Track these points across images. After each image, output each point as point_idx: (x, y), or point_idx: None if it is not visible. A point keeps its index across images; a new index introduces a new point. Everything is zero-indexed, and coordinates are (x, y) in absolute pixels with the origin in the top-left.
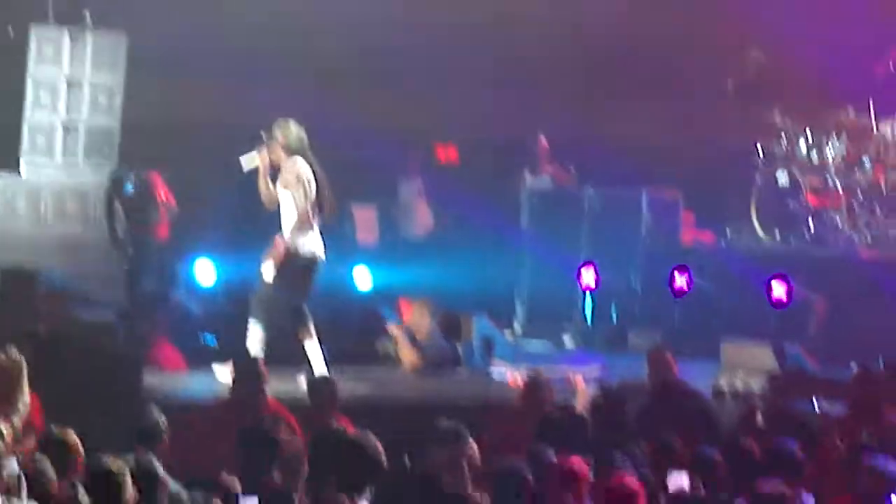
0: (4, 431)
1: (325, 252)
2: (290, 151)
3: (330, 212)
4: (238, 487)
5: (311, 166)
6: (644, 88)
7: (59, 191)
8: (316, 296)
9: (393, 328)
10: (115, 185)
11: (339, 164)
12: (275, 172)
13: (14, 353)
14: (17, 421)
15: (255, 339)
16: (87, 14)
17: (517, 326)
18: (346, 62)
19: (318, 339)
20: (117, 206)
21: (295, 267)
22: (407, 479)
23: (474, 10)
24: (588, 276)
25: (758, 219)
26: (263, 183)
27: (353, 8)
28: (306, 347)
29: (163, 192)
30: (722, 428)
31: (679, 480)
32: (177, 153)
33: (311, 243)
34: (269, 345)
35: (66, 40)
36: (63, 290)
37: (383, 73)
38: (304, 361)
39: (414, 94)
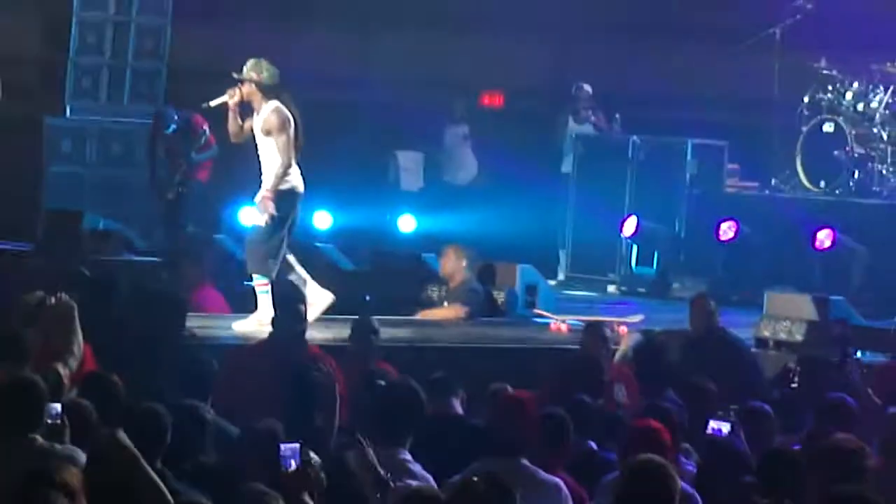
0: (63, 374)
1: (370, 198)
2: (267, 92)
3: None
4: (280, 432)
5: (287, 106)
6: (690, 37)
7: (104, 133)
8: (360, 242)
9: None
10: (158, 121)
11: (384, 111)
12: (247, 110)
13: (64, 296)
14: (74, 364)
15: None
16: None
17: (561, 274)
18: (392, 8)
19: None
20: (159, 147)
21: (287, 209)
22: (447, 424)
23: None
24: (632, 224)
25: (803, 168)
26: (233, 117)
27: None
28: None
29: (206, 135)
30: (763, 376)
31: (718, 427)
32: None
33: (297, 179)
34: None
35: None
36: (107, 233)
37: (429, 19)
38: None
39: (460, 41)
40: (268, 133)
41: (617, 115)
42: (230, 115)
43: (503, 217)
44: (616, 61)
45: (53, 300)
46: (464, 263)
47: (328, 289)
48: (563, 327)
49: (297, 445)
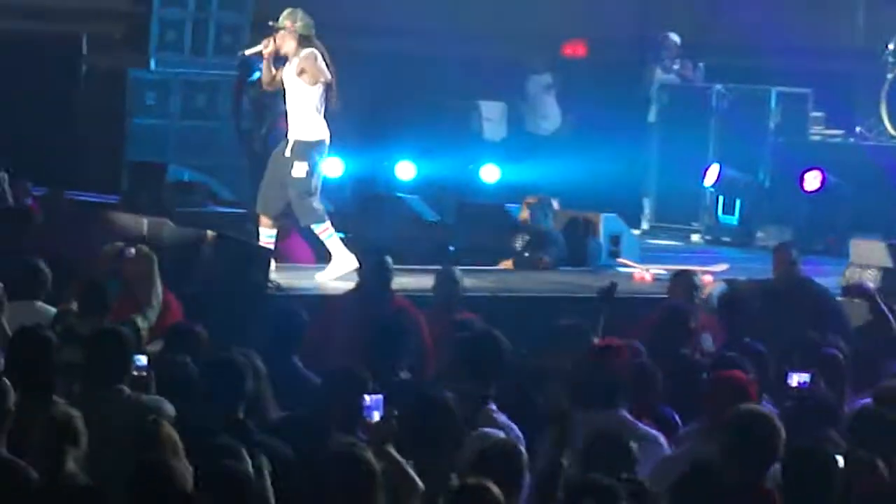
0: (141, 325)
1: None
2: (302, 40)
3: (336, 102)
4: (366, 382)
5: (323, 55)
6: None
7: (188, 86)
8: (444, 193)
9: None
10: (243, 69)
11: (466, 61)
12: (281, 59)
13: (144, 247)
14: (152, 316)
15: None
16: None
17: (645, 223)
18: None
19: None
20: (245, 99)
21: (319, 158)
22: (530, 374)
23: None
24: (714, 173)
25: (888, 115)
26: (266, 65)
27: None
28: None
29: None
30: (848, 325)
31: (801, 377)
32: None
33: (325, 131)
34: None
35: None
36: (192, 184)
37: None
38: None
39: None
40: (301, 73)
41: (700, 64)
42: (264, 62)
43: (587, 167)
44: (700, 10)
45: (133, 251)
46: (548, 213)
47: (413, 239)
48: (648, 276)
49: (380, 397)
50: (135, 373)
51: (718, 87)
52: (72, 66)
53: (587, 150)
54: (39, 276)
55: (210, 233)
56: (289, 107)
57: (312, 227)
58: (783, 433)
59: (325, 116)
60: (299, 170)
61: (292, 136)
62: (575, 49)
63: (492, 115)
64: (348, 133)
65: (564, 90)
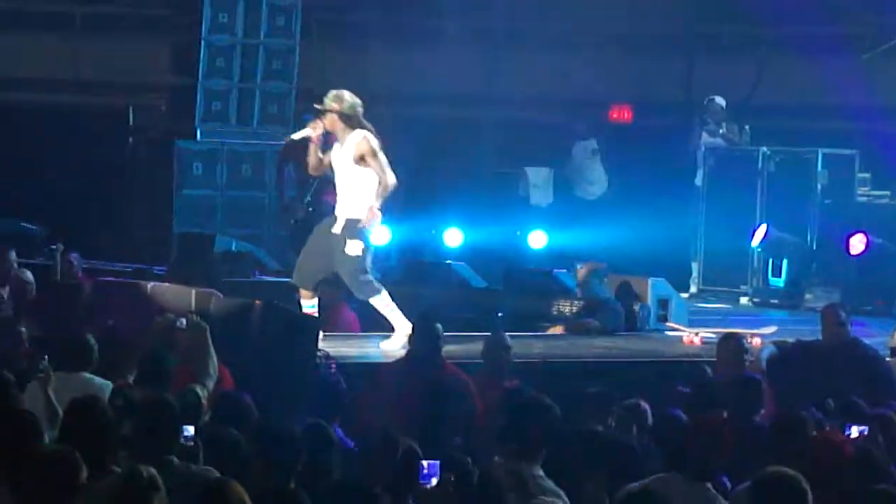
0: (201, 394)
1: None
2: (350, 122)
3: (387, 181)
4: (418, 450)
5: (372, 133)
6: (817, 47)
7: (234, 156)
8: (491, 259)
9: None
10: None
11: (512, 127)
12: (329, 142)
13: (195, 318)
14: (211, 384)
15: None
16: None
17: (693, 286)
18: (520, 26)
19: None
20: (288, 168)
21: (370, 232)
22: (580, 440)
23: None
24: (761, 233)
25: None
26: (314, 149)
27: None
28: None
29: None
30: None
31: (860, 428)
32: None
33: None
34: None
35: (241, 7)
36: (239, 254)
37: (556, 37)
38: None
39: (587, 57)
40: (361, 159)
41: (746, 127)
42: (311, 147)
43: (634, 231)
44: (744, 73)
45: (185, 322)
46: (601, 280)
47: (461, 305)
48: (697, 340)
49: (436, 462)
50: (183, 442)
51: (764, 149)
52: (119, 138)
53: (634, 214)
54: (87, 348)
55: (258, 302)
56: (339, 186)
57: (371, 300)
58: (810, 496)
59: (377, 193)
60: (354, 248)
61: (343, 213)
62: (621, 113)
63: (538, 181)
64: (394, 201)
65: (610, 155)
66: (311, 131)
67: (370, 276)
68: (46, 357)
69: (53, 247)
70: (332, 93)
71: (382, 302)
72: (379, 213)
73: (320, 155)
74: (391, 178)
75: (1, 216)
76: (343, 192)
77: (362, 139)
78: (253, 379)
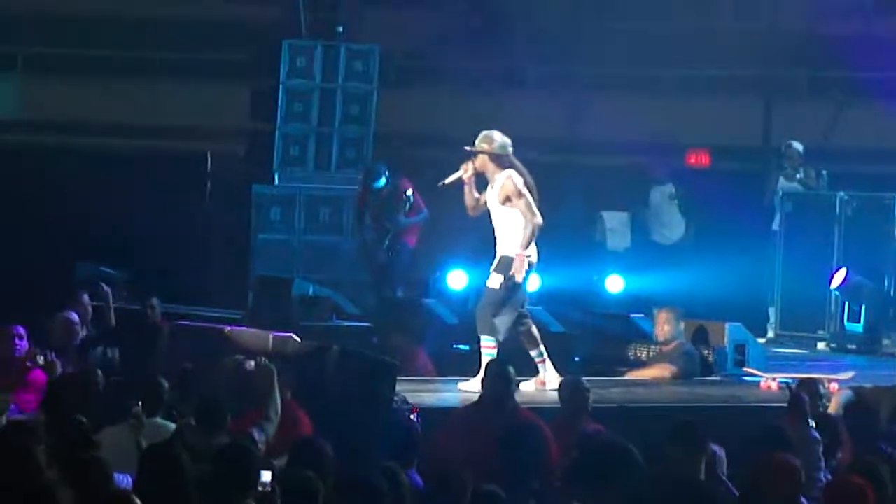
0: (257, 439)
1: (577, 259)
2: (500, 162)
3: (532, 218)
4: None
5: (521, 174)
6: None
7: (311, 200)
8: (569, 304)
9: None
10: (368, 176)
11: (589, 172)
12: (482, 181)
13: (263, 360)
14: (270, 429)
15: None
16: (341, 28)
17: (770, 332)
18: (599, 71)
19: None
20: (367, 211)
21: (525, 277)
22: (661, 484)
23: (723, 16)
24: (840, 276)
25: None
26: (468, 191)
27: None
28: (534, 356)
29: (410, 199)
30: None
31: None
32: (428, 162)
33: (533, 248)
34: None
35: (319, 52)
36: (317, 298)
37: (634, 82)
38: (534, 371)
39: (665, 102)
40: (506, 200)
41: (824, 172)
42: (466, 188)
43: (711, 275)
44: (821, 117)
45: (252, 364)
46: (678, 325)
47: None
48: (774, 385)
49: None
50: (260, 488)
51: (842, 194)
52: (197, 183)
53: (711, 258)
54: (159, 392)
55: (335, 347)
56: (495, 225)
57: (482, 337)
58: None
59: (525, 236)
60: (494, 281)
61: (500, 251)
62: (699, 158)
63: (615, 225)
64: (472, 245)
65: (688, 199)
66: (463, 173)
67: (500, 318)
68: (140, 403)
69: (154, 300)
70: (483, 133)
71: (489, 346)
72: (526, 259)
73: (476, 195)
74: (538, 219)
75: (80, 260)
76: (497, 232)
77: (507, 179)
78: (330, 423)
